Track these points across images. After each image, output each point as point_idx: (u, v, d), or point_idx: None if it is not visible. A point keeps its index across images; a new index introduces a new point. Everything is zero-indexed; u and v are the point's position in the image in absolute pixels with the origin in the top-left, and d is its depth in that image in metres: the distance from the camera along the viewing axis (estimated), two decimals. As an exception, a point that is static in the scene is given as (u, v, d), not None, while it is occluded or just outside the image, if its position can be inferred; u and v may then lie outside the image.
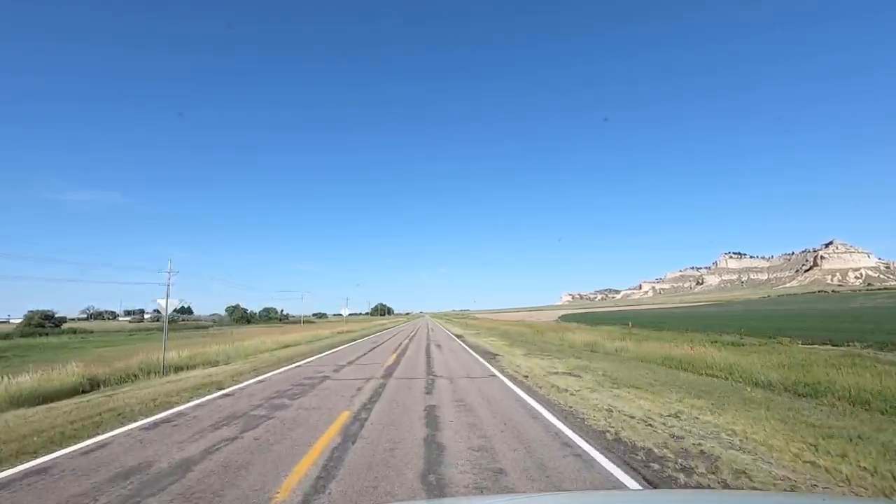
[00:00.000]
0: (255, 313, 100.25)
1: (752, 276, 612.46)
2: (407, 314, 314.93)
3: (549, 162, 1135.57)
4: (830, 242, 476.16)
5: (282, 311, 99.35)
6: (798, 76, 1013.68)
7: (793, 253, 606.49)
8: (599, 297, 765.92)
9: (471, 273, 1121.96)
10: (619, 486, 3.91)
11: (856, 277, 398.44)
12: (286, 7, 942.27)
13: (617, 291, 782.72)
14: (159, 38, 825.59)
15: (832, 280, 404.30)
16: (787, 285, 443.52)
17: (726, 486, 3.86)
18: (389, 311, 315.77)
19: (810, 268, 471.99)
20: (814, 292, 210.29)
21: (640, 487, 3.90)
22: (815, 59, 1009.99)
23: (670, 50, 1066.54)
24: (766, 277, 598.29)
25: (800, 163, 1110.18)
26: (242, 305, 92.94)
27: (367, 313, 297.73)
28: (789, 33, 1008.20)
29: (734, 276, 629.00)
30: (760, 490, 3.73)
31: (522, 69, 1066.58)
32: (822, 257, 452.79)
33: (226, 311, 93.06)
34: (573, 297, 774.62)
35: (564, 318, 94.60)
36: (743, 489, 3.76)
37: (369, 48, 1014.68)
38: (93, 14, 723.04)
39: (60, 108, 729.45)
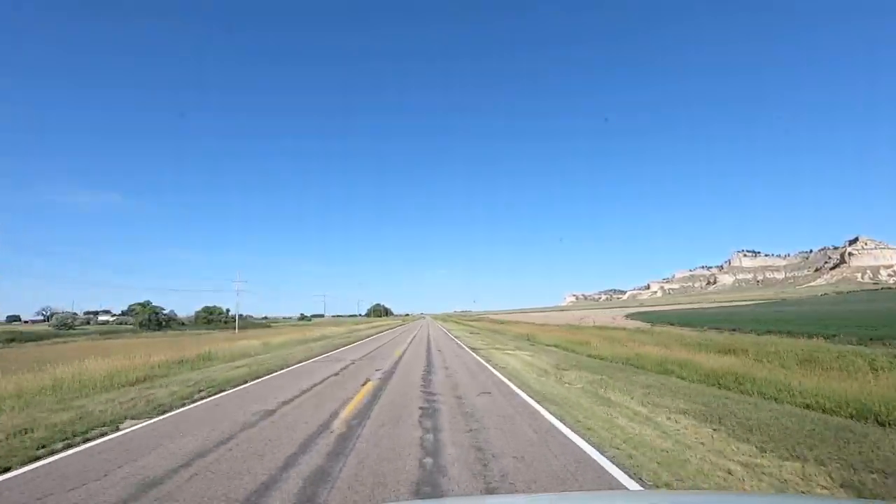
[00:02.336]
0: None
1: (767, 276, 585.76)
2: (406, 315, 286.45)
3: (551, 161, 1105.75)
4: (856, 239, 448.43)
5: (227, 310, 72.71)
6: (801, 77, 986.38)
7: (810, 251, 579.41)
8: (604, 297, 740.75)
9: (471, 274, 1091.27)
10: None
11: (889, 275, 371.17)
12: (288, 13, 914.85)
13: (622, 292, 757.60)
14: (162, 42, 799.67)
15: (863, 278, 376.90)
16: (812, 284, 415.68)
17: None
18: (388, 312, 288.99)
19: (836, 265, 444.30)
20: (877, 289, 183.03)
21: (640, 488, 3.67)
22: (821, 58, 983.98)
23: (675, 48, 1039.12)
24: (782, 276, 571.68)
25: (812, 160, 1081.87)
26: (158, 304, 66.12)
27: (363, 315, 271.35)
28: (801, 31, 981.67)
29: (749, 276, 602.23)
30: (760, 491, 3.62)
31: (525, 73, 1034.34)
32: (850, 254, 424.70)
33: (130, 309, 66.52)
34: (577, 298, 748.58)
35: (632, 317, 71.37)
36: (742, 490, 3.62)
37: (370, 55, 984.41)
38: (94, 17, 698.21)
39: (58, 112, 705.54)
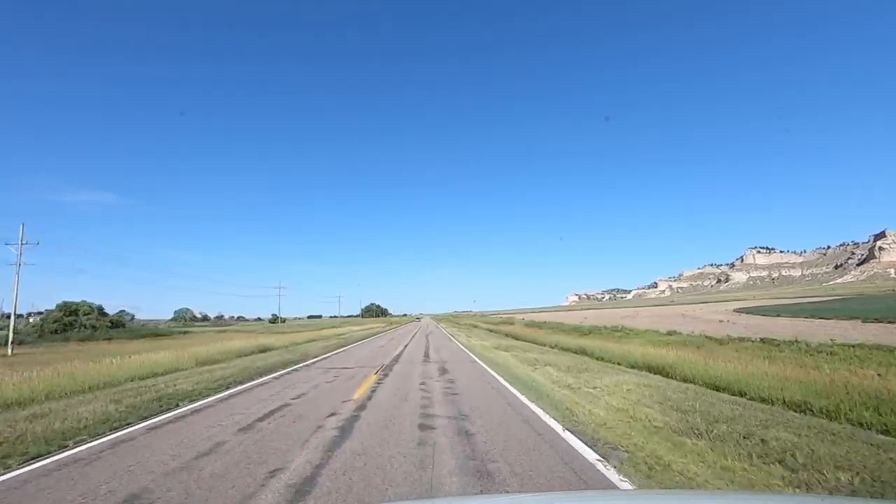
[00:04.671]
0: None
1: (783, 273, 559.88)
2: (404, 315, 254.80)
3: (552, 160, 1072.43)
4: (882, 234, 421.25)
5: (99, 306, 43.82)
6: (803, 76, 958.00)
7: (828, 247, 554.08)
8: (607, 297, 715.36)
9: (471, 274, 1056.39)
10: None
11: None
12: (289, 14, 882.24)
13: (627, 291, 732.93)
14: (162, 43, 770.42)
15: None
16: (840, 280, 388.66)
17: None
18: (384, 313, 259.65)
19: (863, 261, 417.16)
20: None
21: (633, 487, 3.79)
22: (824, 57, 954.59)
23: (677, 47, 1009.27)
24: (799, 274, 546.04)
25: (816, 159, 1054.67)
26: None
27: (356, 315, 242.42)
28: (807, 28, 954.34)
29: (763, 273, 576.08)
30: (758, 490, 3.59)
31: (527, 73, 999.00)
32: (880, 249, 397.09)
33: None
34: (580, 298, 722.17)
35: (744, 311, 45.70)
36: (741, 490, 3.57)
37: (371, 56, 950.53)
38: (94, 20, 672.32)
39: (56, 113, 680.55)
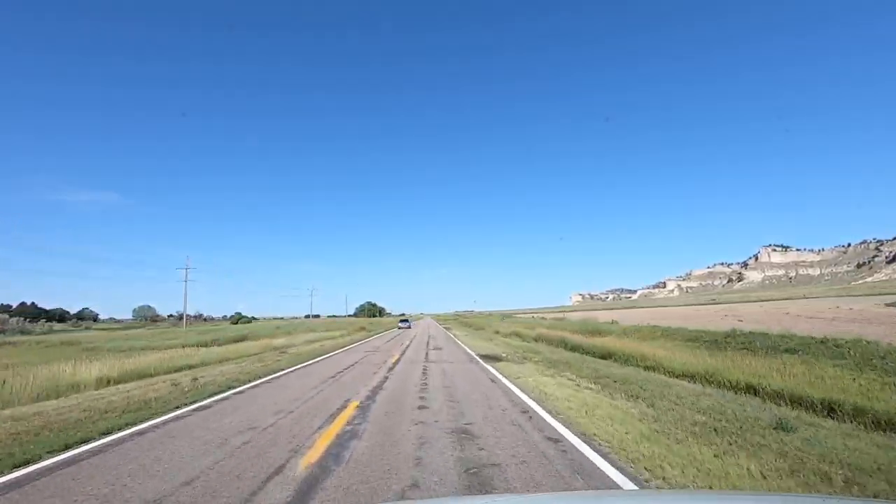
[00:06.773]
0: None
1: (800, 272, 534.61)
2: (401, 315, 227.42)
3: (554, 159, 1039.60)
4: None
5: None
6: (802, 75, 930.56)
7: (849, 244, 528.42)
8: (612, 297, 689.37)
9: (472, 273, 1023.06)
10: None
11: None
12: (290, 14, 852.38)
13: (632, 291, 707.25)
14: (162, 43, 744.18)
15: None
16: (870, 279, 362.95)
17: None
18: (381, 313, 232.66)
19: (893, 259, 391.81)
20: None
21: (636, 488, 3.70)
22: (826, 56, 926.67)
23: (683, 49, 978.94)
24: (817, 273, 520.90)
25: (820, 160, 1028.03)
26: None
27: (350, 315, 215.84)
28: (812, 27, 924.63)
29: (780, 272, 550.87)
30: (759, 490, 3.61)
31: (527, 73, 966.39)
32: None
33: None
34: (583, 298, 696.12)
35: None
36: (741, 489, 3.60)
37: (371, 56, 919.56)
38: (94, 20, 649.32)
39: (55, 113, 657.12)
